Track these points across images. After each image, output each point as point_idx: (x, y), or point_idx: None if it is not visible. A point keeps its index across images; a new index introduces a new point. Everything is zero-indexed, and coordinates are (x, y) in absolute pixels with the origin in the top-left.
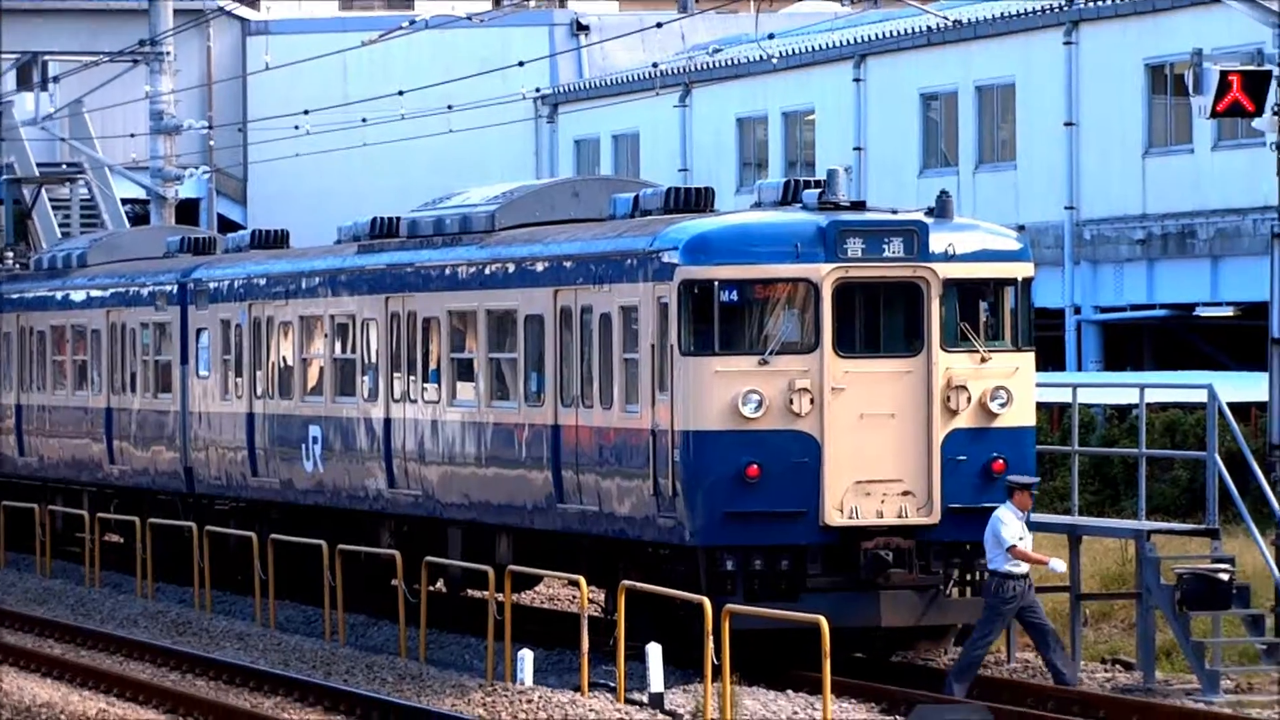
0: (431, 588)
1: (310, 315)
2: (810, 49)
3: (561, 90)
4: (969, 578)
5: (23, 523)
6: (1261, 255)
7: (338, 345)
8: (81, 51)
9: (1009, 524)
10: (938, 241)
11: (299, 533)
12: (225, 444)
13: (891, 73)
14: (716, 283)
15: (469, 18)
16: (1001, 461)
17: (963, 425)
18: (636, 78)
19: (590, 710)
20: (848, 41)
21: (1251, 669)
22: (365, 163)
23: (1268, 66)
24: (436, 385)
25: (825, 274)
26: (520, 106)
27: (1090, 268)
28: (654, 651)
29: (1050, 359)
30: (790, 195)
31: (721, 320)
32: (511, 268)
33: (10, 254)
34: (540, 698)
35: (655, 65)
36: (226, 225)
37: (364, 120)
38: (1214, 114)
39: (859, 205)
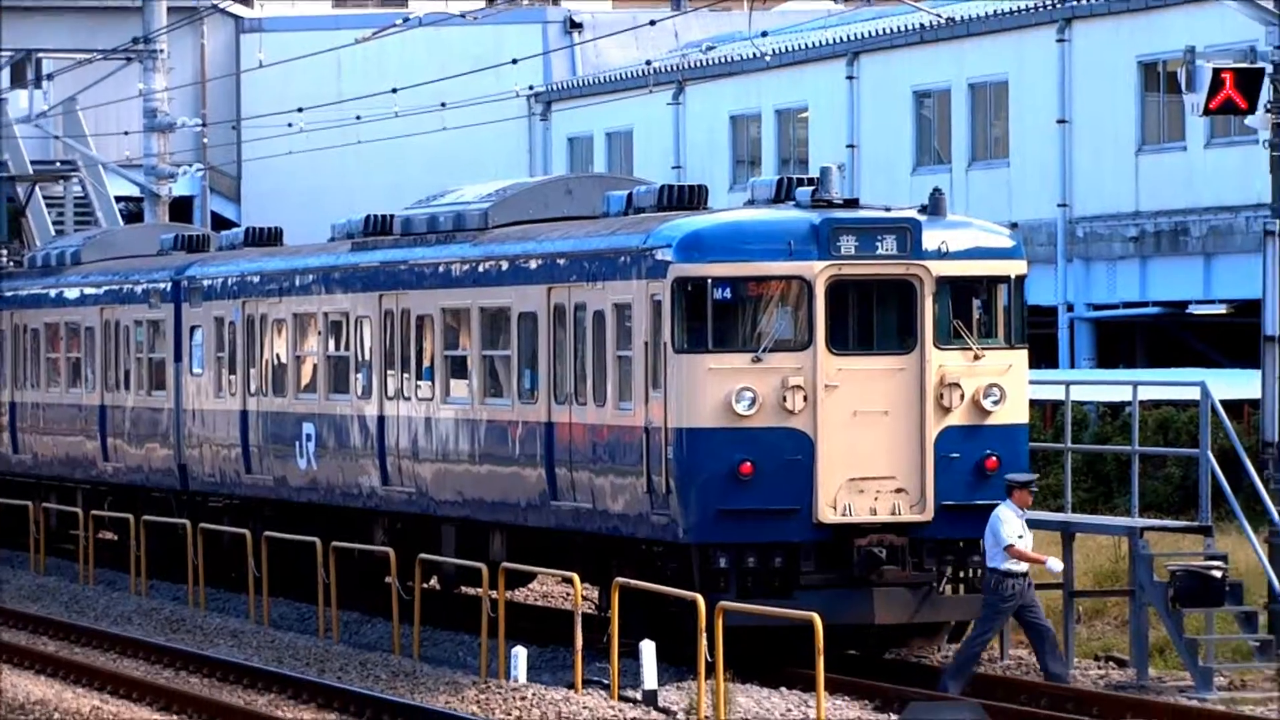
0: (425, 585)
1: (304, 313)
2: (803, 46)
3: (555, 88)
4: (962, 575)
5: (17, 520)
6: (1254, 253)
7: (331, 343)
8: (76, 49)
9: (1008, 522)
10: (931, 239)
11: (293, 530)
12: (219, 441)
13: (884, 70)
14: (710, 280)
15: (463, 15)
16: (994, 459)
17: (956, 423)
18: (630, 75)
19: (584, 707)
20: (841, 39)
21: (1244, 666)
22: (359, 160)
23: (1260, 64)
24: (430, 383)
25: (818, 271)
26: (514, 104)
27: (1083, 265)
28: (647, 649)
29: (1043, 356)
30: (783, 193)
31: (715, 318)
32: (505, 265)
33: (4, 251)
34: (534, 695)
35: (649, 63)
36: (220, 223)
37: (358, 118)
38: (1207, 111)
39: (852, 203)
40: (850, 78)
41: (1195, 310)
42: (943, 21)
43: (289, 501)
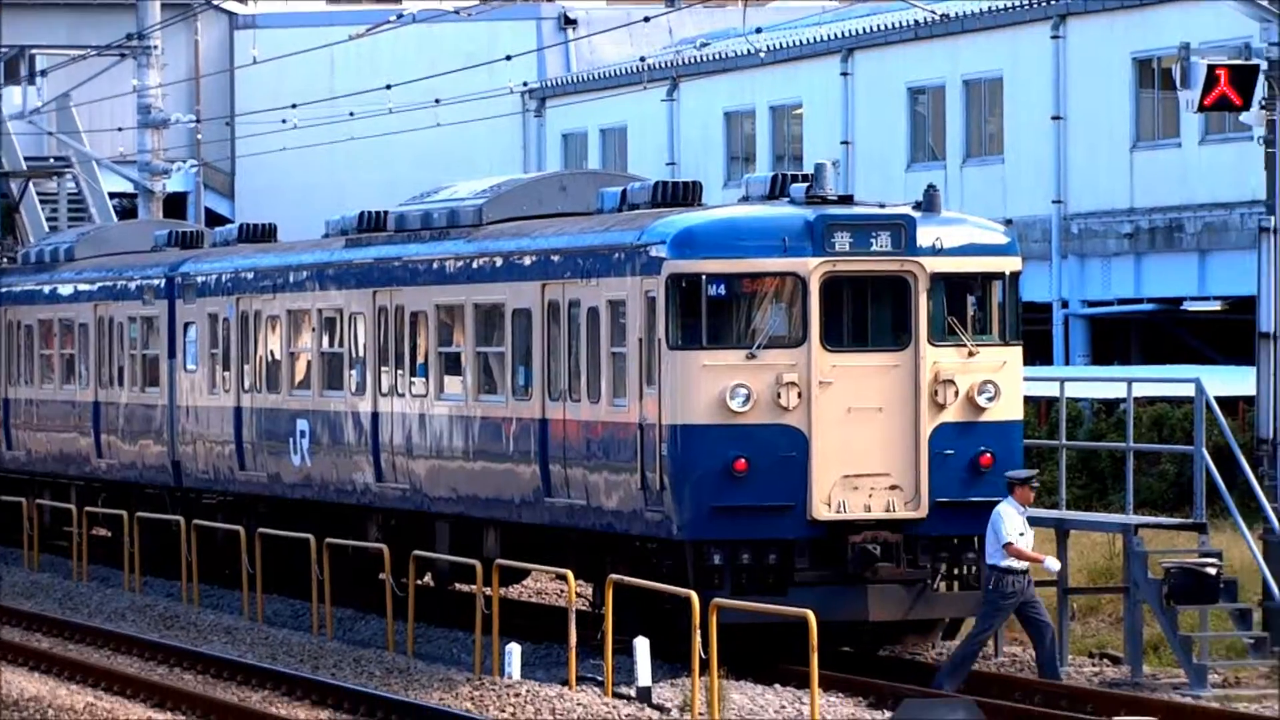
0: (419, 582)
1: (298, 309)
2: (798, 43)
3: (549, 84)
4: (957, 571)
5: (11, 516)
6: (1249, 249)
7: (325, 339)
8: (69, 45)
9: (1009, 519)
10: (925, 235)
11: (287, 526)
12: (213, 438)
13: (879, 67)
14: (704, 277)
15: (456, 12)
16: (989, 455)
17: (950, 419)
18: (624, 72)
19: (578, 704)
20: (835, 35)
21: (1239, 663)
22: (353, 157)
23: (1255, 60)
24: (424, 379)
25: (813, 268)
26: (508, 100)
27: (1078, 262)
28: (641, 645)
29: (1038, 353)
30: (778, 189)
31: (709, 314)
32: (499, 262)
33: None
34: (528, 691)
35: (643, 59)
36: (214, 219)
37: (351, 114)
38: (1201, 108)
39: (846, 199)
40: (845, 74)
41: (1190, 307)
42: (937, 18)
43: (283, 498)
